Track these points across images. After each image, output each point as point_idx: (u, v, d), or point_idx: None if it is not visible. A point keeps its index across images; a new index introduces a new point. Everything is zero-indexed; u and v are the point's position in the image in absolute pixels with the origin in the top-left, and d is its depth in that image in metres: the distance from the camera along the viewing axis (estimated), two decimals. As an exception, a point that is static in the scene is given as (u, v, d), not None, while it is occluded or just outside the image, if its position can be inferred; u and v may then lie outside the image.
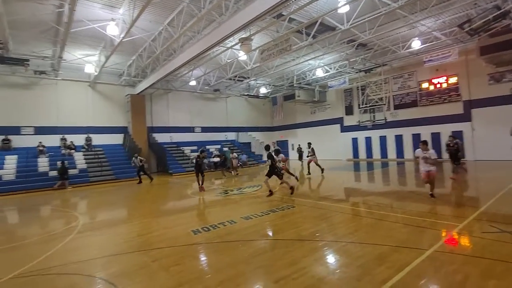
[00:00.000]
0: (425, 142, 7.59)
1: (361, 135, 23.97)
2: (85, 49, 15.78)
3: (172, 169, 19.69)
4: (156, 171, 21.95)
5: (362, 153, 24.00)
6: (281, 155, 11.22)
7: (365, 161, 22.98)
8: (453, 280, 3.38)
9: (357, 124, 23.47)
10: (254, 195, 9.87)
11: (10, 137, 16.79)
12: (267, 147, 10.27)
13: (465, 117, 18.32)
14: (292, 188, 9.37)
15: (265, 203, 8.42)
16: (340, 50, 17.37)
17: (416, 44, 16.00)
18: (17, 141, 17.03)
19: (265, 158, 10.51)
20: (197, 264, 4.44)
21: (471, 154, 17.93)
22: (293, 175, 12.67)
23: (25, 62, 15.32)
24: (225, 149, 23.36)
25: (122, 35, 12.12)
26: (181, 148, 22.66)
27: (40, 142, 17.09)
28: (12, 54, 14.48)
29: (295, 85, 23.56)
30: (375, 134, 23.06)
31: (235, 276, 3.73)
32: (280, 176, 9.36)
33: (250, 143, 27.85)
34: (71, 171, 15.78)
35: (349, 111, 24.95)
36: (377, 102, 21.84)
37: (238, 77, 21.42)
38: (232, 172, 17.64)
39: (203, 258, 4.72)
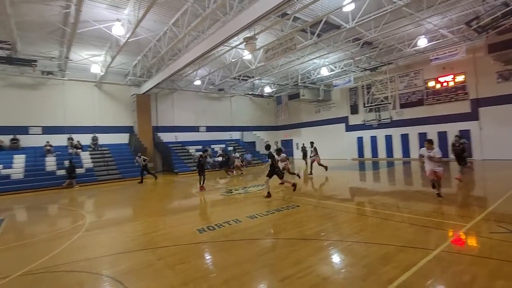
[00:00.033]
0: (430, 141, 7.51)
1: (366, 134, 23.81)
2: (91, 50, 15.95)
3: (177, 168, 19.79)
4: (162, 170, 22.10)
5: (368, 153, 23.84)
6: (283, 155, 11.17)
7: (370, 161, 22.81)
8: (460, 281, 3.35)
9: (362, 123, 23.32)
10: (259, 194, 9.86)
11: (18, 136, 17.05)
12: (267, 147, 10.20)
13: (472, 116, 18.08)
14: (294, 185, 9.37)
15: (270, 202, 8.42)
16: (345, 48, 17.26)
17: (422, 42, 15.82)
18: (25, 140, 17.29)
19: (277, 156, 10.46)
20: (202, 263, 4.47)
21: (479, 154, 17.70)
22: (295, 174, 12.57)
23: (33, 63, 15.58)
24: (230, 148, 23.41)
25: (127, 35, 12.21)
26: (186, 147, 22.77)
27: (48, 142, 17.32)
28: (20, 55, 14.71)
29: (299, 84, 23.50)
30: (380, 133, 22.88)
31: (240, 275, 3.74)
32: (280, 176, 9.21)
33: (254, 142, 27.86)
34: (78, 170, 15.96)
35: (354, 110, 24.79)
36: (382, 101, 21.68)
37: (243, 76, 21.43)
38: (234, 172, 17.50)
39: (208, 256, 4.74)
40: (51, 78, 17.88)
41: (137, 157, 16.37)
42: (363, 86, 22.90)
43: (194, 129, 24.90)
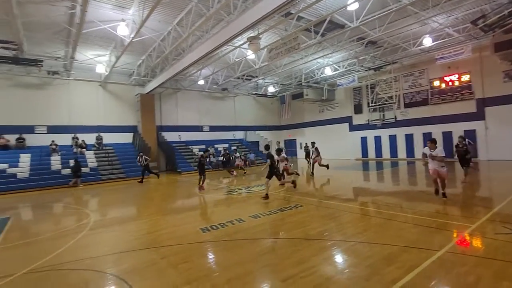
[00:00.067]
0: (433, 141, 7.46)
1: (370, 134, 23.68)
2: (96, 50, 16.06)
3: (180, 168, 19.87)
4: (165, 169, 22.20)
5: (371, 152, 23.70)
6: (283, 155, 11.14)
7: (374, 161, 22.70)
8: (465, 282, 3.32)
9: (366, 123, 23.20)
10: (262, 194, 9.86)
11: (24, 136, 17.23)
12: (266, 147, 10.13)
13: (478, 115, 17.89)
14: (293, 182, 9.39)
15: (273, 202, 8.42)
16: (349, 48, 17.17)
17: (427, 41, 15.66)
18: (31, 139, 17.47)
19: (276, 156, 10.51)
20: (206, 262, 4.48)
21: (485, 154, 17.52)
22: (294, 173, 12.39)
23: (39, 63, 15.73)
24: (234, 148, 23.45)
25: (132, 35, 12.28)
26: (189, 147, 22.85)
27: (53, 141, 17.48)
28: (26, 55, 14.87)
29: (303, 83, 23.42)
30: (384, 133, 22.74)
31: (243, 275, 3.75)
32: (279, 177, 9.05)
33: (258, 142, 27.87)
34: (83, 170, 16.07)
35: (358, 109, 24.66)
36: (387, 100, 21.54)
37: (246, 76, 21.42)
38: (234, 171, 17.42)
39: (211, 256, 4.76)
40: (57, 78, 18.05)
41: (138, 157, 16.35)
42: (367, 85, 22.78)
43: (198, 128, 24.98)
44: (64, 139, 18.34)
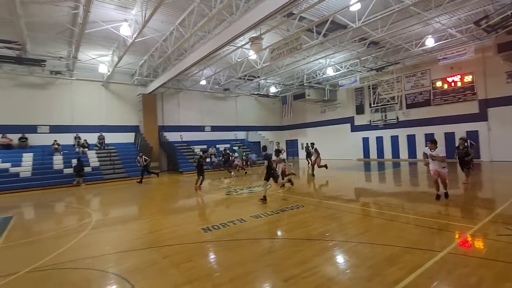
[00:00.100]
0: (433, 141, 7.44)
1: (372, 135, 23.63)
2: (99, 50, 16.12)
3: (182, 168, 19.91)
4: (167, 169, 22.24)
5: (373, 153, 23.65)
6: (281, 156, 11.10)
7: (376, 161, 22.65)
8: (467, 283, 3.31)
9: (368, 123, 23.15)
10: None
11: (26, 135, 17.31)
12: (264, 148, 10.09)
13: (481, 116, 17.82)
14: (290, 180, 9.46)
15: (274, 202, 8.42)
16: (351, 48, 17.15)
17: (430, 42, 15.63)
18: (33, 139, 17.55)
19: (274, 157, 10.56)
20: (207, 262, 4.49)
21: (487, 155, 17.45)
22: (291, 174, 12.24)
23: (42, 63, 15.82)
24: (235, 148, 23.46)
25: (134, 36, 12.32)
26: (191, 147, 22.88)
27: (55, 141, 17.56)
28: (29, 55, 14.95)
29: (305, 84, 23.42)
30: (386, 134, 22.68)
31: (245, 274, 3.75)
32: (275, 179, 8.84)
33: (259, 142, 27.87)
34: (85, 169, 16.13)
35: (360, 110, 24.62)
36: (389, 101, 21.49)
37: (248, 76, 21.45)
38: (232, 172, 17.39)
39: (212, 255, 4.76)
40: (59, 77, 18.13)
41: (137, 157, 16.28)
42: (369, 86, 22.73)
43: (200, 128, 25.01)
44: (66, 139, 18.41)
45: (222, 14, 11.44)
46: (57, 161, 16.64)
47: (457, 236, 4.88)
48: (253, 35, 12.06)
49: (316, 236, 5.19)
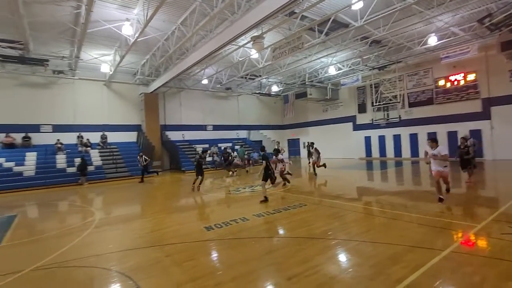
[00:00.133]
0: (433, 140, 7.35)
1: (374, 134, 23.57)
2: (101, 49, 16.16)
3: (184, 167, 19.94)
4: (169, 168, 22.31)
5: (375, 152, 23.60)
6: (280, 156, 11.08)
7: (378, 160, 22.59)
8: (470, 282, 3.30)
9: (370, 122, 23.07)
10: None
11: (30, 134, 17.39)
12: (262, 148, 10.08)
13: (484, 115, 17.73)
14: (285, 179, 9.79)
15: (276, 201, 8.43)
16: (353, 47, 17.10)
17: (432, 40, 15.53)
18: (36, 138, 17.63)
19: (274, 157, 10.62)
20: (210, 260, 4.50)
21: (490, 153, 17.37)
22: (287, 173, 12.22)
23: (45, 62, 15.89)
24: (237, 147, 23.45)
25: (136, 35, 12.34)
26: (193, 146, 22.92)
27: (58, 140, 17.65)
28: (32, 54, 15.01)
29: (307, 83, 23.37)
30: (389, 133, 22.62)
31: (247, 273, 3.76)
32: (272, 180, 8.71)
33: (261, 141, 27.87)
34: (88, 168, 16.18)
35: (362, 109, 24.56)
36: (391, 100, 21.40)
37: (250, 75, 21.43)
38: (231, 171, 17.39)
39: (215, 254, 4.77)
40: (62, 77, 18.19)
41: (138, 157, 16.33)
42: (371, 85, 22.66)
43: (202, 128, 25.04)
44: (69, 138, 18.49)
45: (223, 13, 11.44)
46: (60, 160, 16.72)
47: (460, 235, 4.87)
48: (255, 34, 12.04)
49: (318, 234, 5.20)
